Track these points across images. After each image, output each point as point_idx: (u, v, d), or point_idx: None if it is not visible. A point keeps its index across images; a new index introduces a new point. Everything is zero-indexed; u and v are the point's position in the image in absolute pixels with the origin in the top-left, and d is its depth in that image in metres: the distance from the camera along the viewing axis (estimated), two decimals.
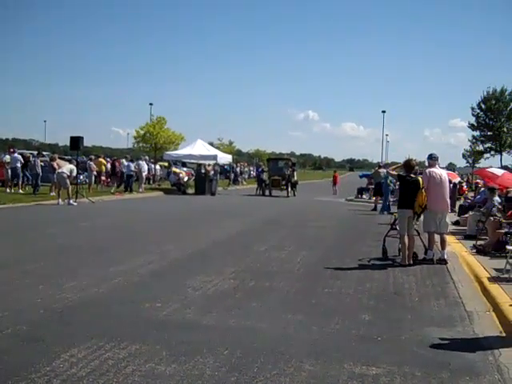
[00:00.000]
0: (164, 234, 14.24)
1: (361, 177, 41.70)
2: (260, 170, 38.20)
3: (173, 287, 8.02)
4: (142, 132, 47.33)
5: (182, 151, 36.52)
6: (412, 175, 10.87)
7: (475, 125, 60.95)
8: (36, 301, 6.93)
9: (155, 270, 9.26)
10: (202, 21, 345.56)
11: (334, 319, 6.58)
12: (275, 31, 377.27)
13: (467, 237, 14.22)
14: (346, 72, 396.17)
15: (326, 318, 6.66)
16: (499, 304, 7.25)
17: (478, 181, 27.33)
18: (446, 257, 10.81)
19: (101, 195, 26.31)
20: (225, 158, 37.60)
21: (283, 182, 33.73)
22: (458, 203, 21.94)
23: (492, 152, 61.14)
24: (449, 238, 12.28)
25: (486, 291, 8.23)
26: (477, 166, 58.03)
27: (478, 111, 60.80)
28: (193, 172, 38.18)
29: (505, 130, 59.05)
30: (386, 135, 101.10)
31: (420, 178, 10.83)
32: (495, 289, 8.10)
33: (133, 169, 30.29)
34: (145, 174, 32.28)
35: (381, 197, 24.30)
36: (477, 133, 61.30)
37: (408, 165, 11.06)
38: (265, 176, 35.92)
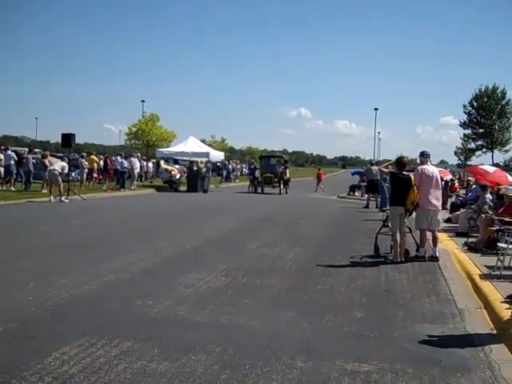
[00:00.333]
0: (156, 231, 14.22)
1: (353, 174, 41.69)
2: (253, 167, 38.23)
3: (165, 284, 8.01)
4: (134, 129, 47.27)
5: (175, 148, 36.49)
6: (404, 172, 10.90)
7: (467, 122, 61.22)
8: (27, 298, 6.91)
9: (147, 268, 9.25)
10: (196, 19, 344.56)
11: (326, 316, 6.60)
12: (268, 29, 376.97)
13: (459, 234, 14.27)
14: (338, 70, 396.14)
15: (318, 315, 6.67)
16: (490, 301, 7.27)
17: (469, 178, 27.43)
18: (437, 254, 10.85)
19: (93, 192, 26.25)
20: (217, 156, 37.59)
21: (275, 180, 33.74)
22: (449, 200, 22.02)
23: (484, 149, 61.45)
24: (440, 236, 12.31)
25: (477, 288, 8.26)
26: (468, 163, 58.33)
27: (470, 109, 61.07)
28: (185, 169, 38.14)
29: (496, 127, 59.38)
30: (379, 133, 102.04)
31: (412, 176, 10.86)
32: (486, 286, 8.13)
33: (126, 166, 30.24)
34: (137, 171, 32.22)
35: (373, 194, 24.39)
36: (468, 130, 61.61)
37: (400, 162, 11.09)
38: (257, 173, 35.94)
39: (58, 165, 22.38)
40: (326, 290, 8.06)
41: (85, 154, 31.77)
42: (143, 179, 37.97)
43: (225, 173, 48.34)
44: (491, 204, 14.26)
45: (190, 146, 34.69)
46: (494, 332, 6.30)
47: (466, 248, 11.94)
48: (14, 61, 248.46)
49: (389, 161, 15.92)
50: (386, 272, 9.64)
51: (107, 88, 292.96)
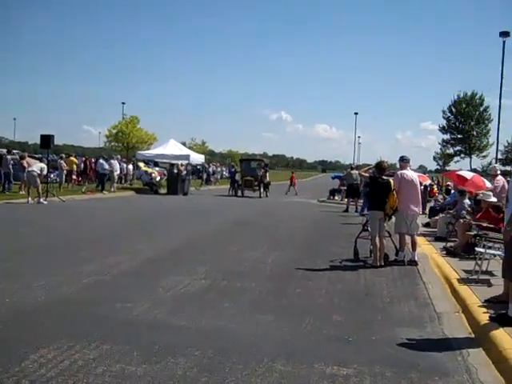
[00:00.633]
0: (136, 233, 14.14)
1: (333, 178, 41.87)
2: (233, 170, 38.21)
3: (144, 287, 7.97)
4: (114, 131, 46.97)
5: (155, 151, 36.36)
6: (384, 177, 10.96)
7: (446, 128, 61.85)
8: (4, 300, 6.83)
9: (126, 270, 9.19)
10: (177, 21, 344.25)
11: (306, 320, 6.60)
12: (248, 32, 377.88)
13: (437, 238, 14.39)
14: (319, 74, 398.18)
15: (298, 318, 6.68)
16: (468, 305, 7.34)
17: (448, 183, 27.65)
18: (416, 258, 10.92)
19: (72, 194, 26.04)
20: (197, 158, 37.53)
21: (256, 183, 33.75)
22: (428, 205, 22.17)
23: (462, 155, 62.13)
24: (419, 240, 12.41)
25: (455, 292, 8.33)
26: (447, 168, 58.88)
27: (449, 114, 61.75)
28: (165, 172, 38.00)
29: (474, 133, 60.05)
30: (359, 137, 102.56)
31: (391, 180, 10.92)
32: (464, 290, 8.21)
33: (107, 167, 30.09)
34: (117, 173, 32.05)
35: (352, 198, 24.50)
36: (447, 136, 62.26)
37: (380, 167, 11.14)
38: (237, 176, 35.92)
39: (37, 166, 22.18)
40: (306, 294, 8.07)
41: (64, 156, 31.49)
42: (123, 181, 37.75)
43: (205, 176, 48.24)
44: (469, 209, 14.40)
45: (170, 148, 34.61)
46: (472, 336, 6.36)
47: (444, 252, 12.04)
48: None
49: (368, 165, 15.99)
50: (366, 276, 9.68)
51: (87, 89, 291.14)
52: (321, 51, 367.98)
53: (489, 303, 7.23)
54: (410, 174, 11.21)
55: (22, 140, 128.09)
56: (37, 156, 32.65)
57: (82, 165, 34.47)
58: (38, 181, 21.62)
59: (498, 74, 45.09)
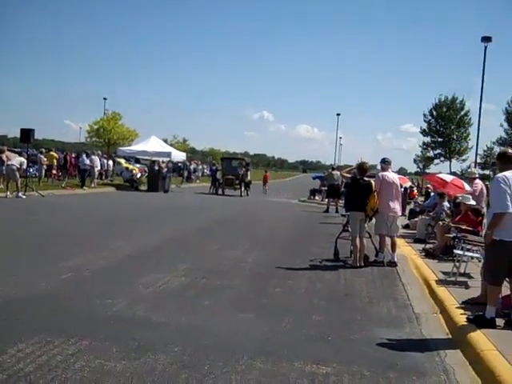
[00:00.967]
0: (116, 230, 14.07)
1: (314, 178, 42.01)
2: (214, 168, 38.17)
3: (124, 283, 7.93)
4: (95, 127, 46.61)
5: (136, 147, 36.13)
6: (365, 178, 11.02)
7: (427, 130, 62.42)
8: None
9: (106, 266, 9.14)
10: (160, 19, 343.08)
11: (285, 319, 6.62)
12: (231, 30, 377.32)
13: (417, 240, 14.50)
14: (302, 74, 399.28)
15: (277, 317, 6.69)
16: (446, 306, 7.41)
17: (428, 186, 27.85)
18: (395, 259, 11.00)
19: (51, 189, 25.83)
20: (179, 156, 37.39)
21: (237, 182, 33.74)
22: (408, 207, 22.33)
23: (442, 158, 62.74)
24: (399, 241, 12.49)
25: (433, 294, 8.40)
26: (427, 171, 59.37)
27: (430, 118, 62.32)
28: (146, 169, 37.84)
29: (454, 137, 60.67)
30: (340, 138, 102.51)
31: (373, 182, 10.99)
32: (442, 291, 8.28)
33: (88, 163, 29.92)
34: (97, 169, 31.87)
35: (333, 199, 24.60)
36: (428, 138, 62.81)
37: (361, 168, 11.19)
38: (218, 175, 35.89)
39: (16, 160, 21.98)
40: (286, 293, 8.09)
41: (44, 150, 31.21)
42: (103, 177, 37.53)
43: (186, 173, 48.12)
44: (448, 212, 14.54)
45: (151, 145, 34.42)
46: (450, 337, 6.42)
47: (423, 254, 12.13)
48: None
49: (350, 166, 16.07)
50: (346, 276, 9.73)
51: (67, 84, 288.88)
52: (303, 52, 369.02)
53: (466, 305, 7.30)
54: (391, 175, 11.29)
55: (1, 133, 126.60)
56: (16, 150, 32.28)
57: (63, 160, 34.20)
58: (18, 175, 21.44)
59: (480, 78, 45.46)
